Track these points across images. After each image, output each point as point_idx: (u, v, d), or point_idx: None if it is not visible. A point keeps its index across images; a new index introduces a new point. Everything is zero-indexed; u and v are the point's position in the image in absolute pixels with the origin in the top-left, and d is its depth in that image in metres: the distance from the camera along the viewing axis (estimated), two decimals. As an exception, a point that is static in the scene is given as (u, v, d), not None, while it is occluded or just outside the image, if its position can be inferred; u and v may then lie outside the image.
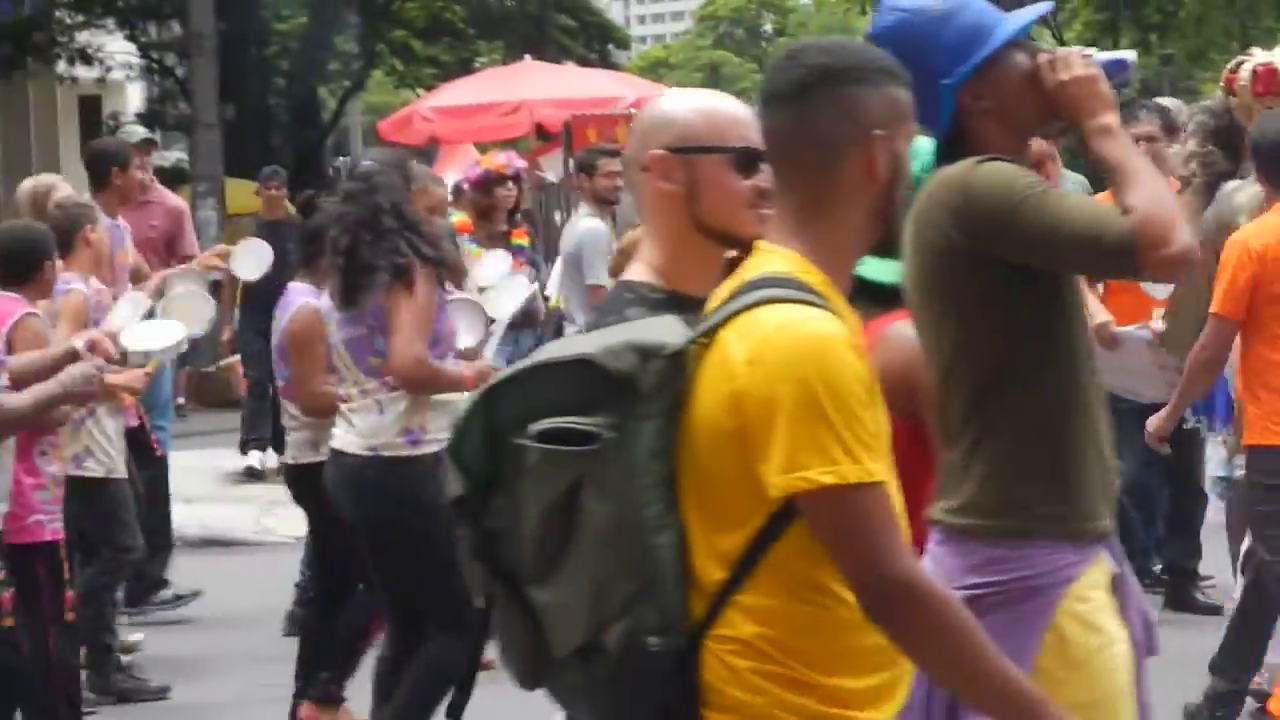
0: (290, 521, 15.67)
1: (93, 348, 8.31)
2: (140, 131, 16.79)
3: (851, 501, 3.69)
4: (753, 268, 3.92)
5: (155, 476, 12.25)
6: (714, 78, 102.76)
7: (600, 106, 20.46)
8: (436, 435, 8.35)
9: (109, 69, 40.16)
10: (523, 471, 3.82)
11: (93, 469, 10.27)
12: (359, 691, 9.41)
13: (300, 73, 37.78)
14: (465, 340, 9.57)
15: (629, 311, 4.25)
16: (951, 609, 3.77)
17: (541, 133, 21.60)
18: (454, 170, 17.00)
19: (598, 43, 42.91)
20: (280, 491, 13.54)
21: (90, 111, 46.05)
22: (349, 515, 8.69)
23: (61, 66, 39.20)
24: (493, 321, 10.51)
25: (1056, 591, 4.74)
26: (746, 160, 4.31)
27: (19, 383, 7.60)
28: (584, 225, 12.88)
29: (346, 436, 8.53)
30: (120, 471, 10.69)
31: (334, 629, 9.99)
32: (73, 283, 10.04)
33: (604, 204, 13.39)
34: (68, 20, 37.69)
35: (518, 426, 3.83)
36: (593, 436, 3.75)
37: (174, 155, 34.11)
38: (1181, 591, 12.29)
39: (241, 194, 24.81)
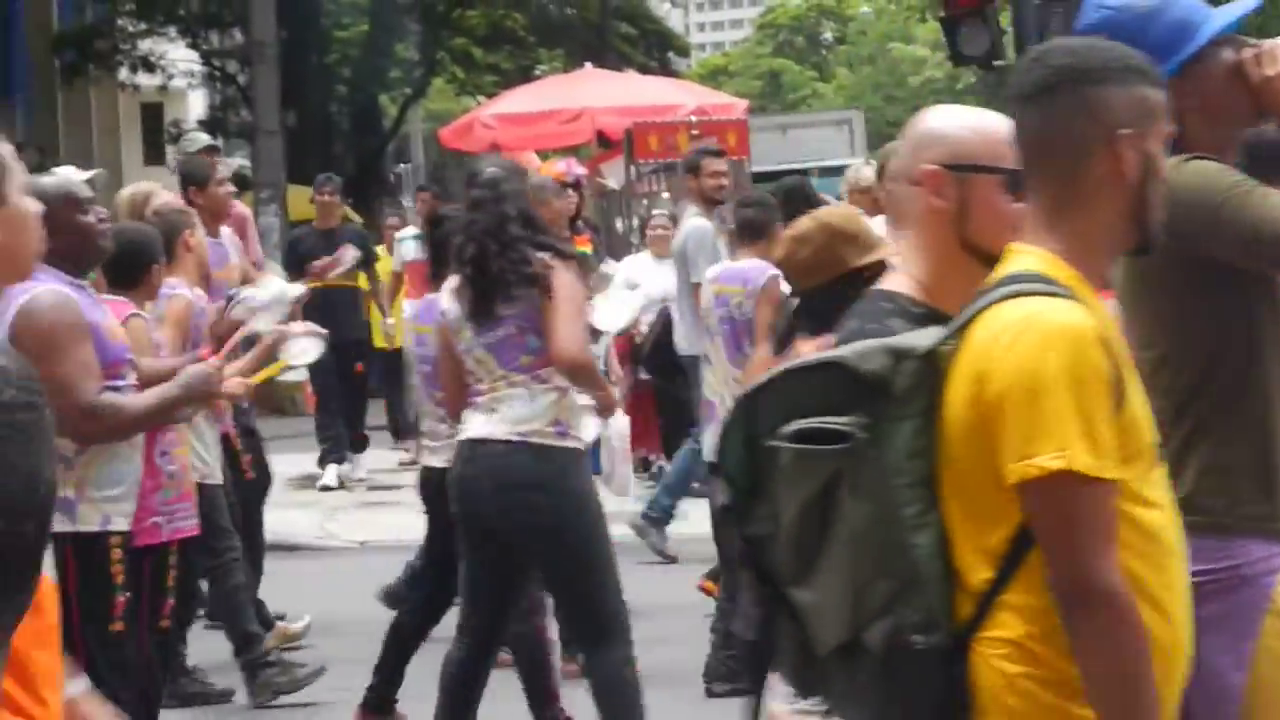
0: (352, 526, 15.74)
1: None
2: (203, 139, 16.89)
3: (1075, 491, 3.69)
4: (1004, 268, 3.96)
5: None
6: (774, 85, 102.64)
7: (661, 114, 20.47)
8: (578, 433, 8.43)
9: (171, 76, 40.36)
10: (777, 472, 3.89)
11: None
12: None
13: (361, 80, 37.88)
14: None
15: (890, 322, 4.24)
16: (1140, 632, 3.72)
17: (603, 140, 21.68)
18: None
19: (657, 50, 42.93)
20: (344, 497, 13.55)
21: (152, 118, 46.27)
22: (484, 504, 8.51)
23: (124, 74, 39.39)
24: (600, 334, 10.45)
25: (1268, 580, 4.79)
26: (1016, 182, 4.27)
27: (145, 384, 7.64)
28: (691, 224, 12.86)
29: (488, 425, 8.46)
30: (216, 478, 10.77)
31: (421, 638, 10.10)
32: (177, 288, 10.20)
33: (710, 203, 13.32)
34: (130, 28, 37.84)
35: (772, 430, 3.90)
36: (845, 436, 3.81)
37: (236, 162, 34.22)
38: None
39: (303, 200, 24.88)
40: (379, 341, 19.26)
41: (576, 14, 38.46)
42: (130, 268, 8.71)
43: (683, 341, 13.78)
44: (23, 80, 34.77)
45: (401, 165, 37.28)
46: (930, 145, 4.39)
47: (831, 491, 3.81)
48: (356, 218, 19.94)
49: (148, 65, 38.69)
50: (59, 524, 7.14)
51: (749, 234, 10.88)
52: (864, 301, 4.47)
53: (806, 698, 4.24)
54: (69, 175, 9.02)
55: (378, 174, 27.80)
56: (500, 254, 8.24)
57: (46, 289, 7.08)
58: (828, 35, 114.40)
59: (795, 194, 10.23)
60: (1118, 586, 3.73)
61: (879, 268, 6.44)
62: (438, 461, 9.84)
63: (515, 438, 8.33)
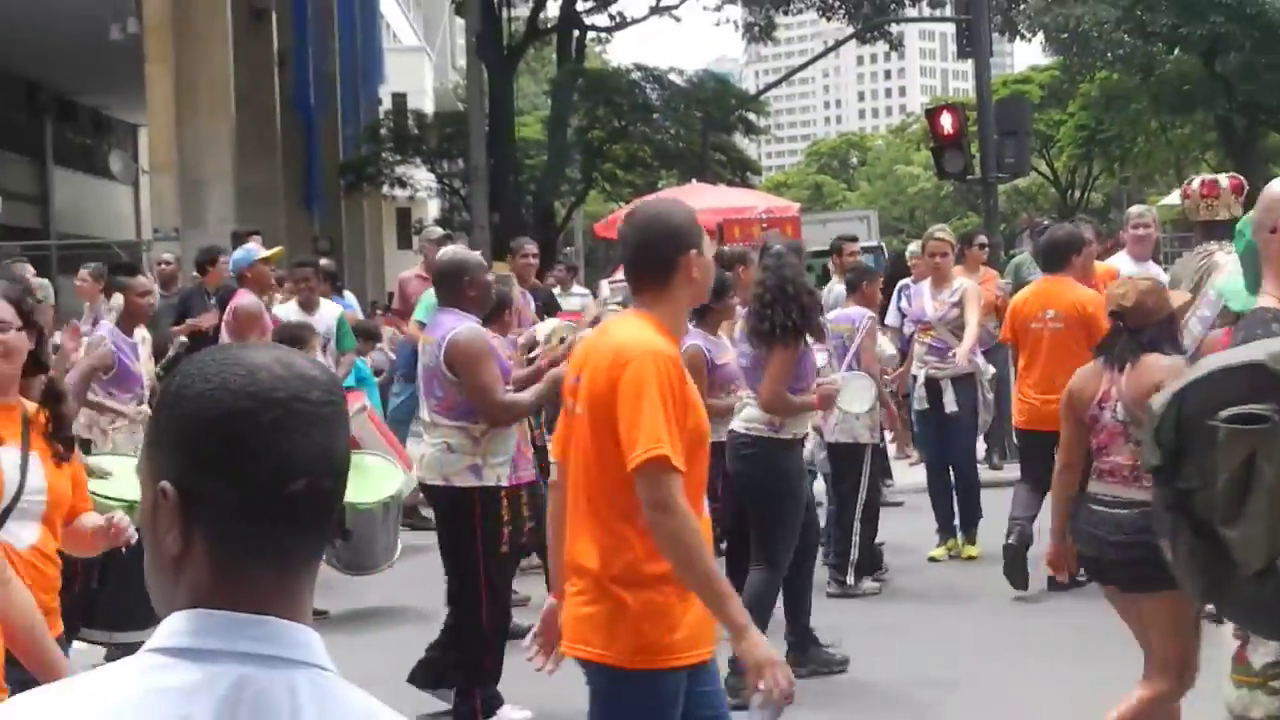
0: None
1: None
2: (438, 231, 16.94)
3: None
4: None
5: None
6: (817, 193, 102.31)
7: (741, 213, 20.42)
8: (792, 428, 8.33)
9: (416, 191, 40.63)
10: (1213, 445, 3.85)
11: None
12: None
13: (542, 192, 38.05)
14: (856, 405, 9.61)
15: (1274, 327, 4.25)
16: None
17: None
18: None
19: (739, 170, 42.82)
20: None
21: (404, 219, 46.58)
22: (735, 477, 8.51)
23: (385, 189, 39.68)
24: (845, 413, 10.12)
25: None
26: None
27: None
28: (836, 290, 12.38)
29: (736, 420, 8.43)
30: None
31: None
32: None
33: (843, 272, 12.91)
34: (389, 159, 38.16)
35: (1205, 413, 3.88)
36: (1265, 418, 3.79)
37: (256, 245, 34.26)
38: None
39: (502, 271, 24.97)
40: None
41: (686, 147, 38.41)
42: (497, 308, 8.70)
43: None
44: (319, 194, 35.10)
45: (568, 249, 37.37)
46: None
47: (1252, 458, 3.79)
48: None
49: (401, 183, 39.00)
50: (470, 481, 7.49)
51: (850, 290, 10.79)
52: (1249, 317, 4.49)
53: (1217, 610, 4.22)
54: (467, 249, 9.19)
55: (551, 255, 27.89)
56: (774, 304, 8.20)
57: (466, 326, 7.49)
58: (854, 160, 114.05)
59: (898, 260, 9.90)
60: None
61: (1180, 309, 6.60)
62: None
63: (745, 431, 8.36)
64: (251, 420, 1.75)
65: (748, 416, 8.36)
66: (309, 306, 12.51)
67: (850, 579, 10.48)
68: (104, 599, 7.09)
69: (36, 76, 38.17)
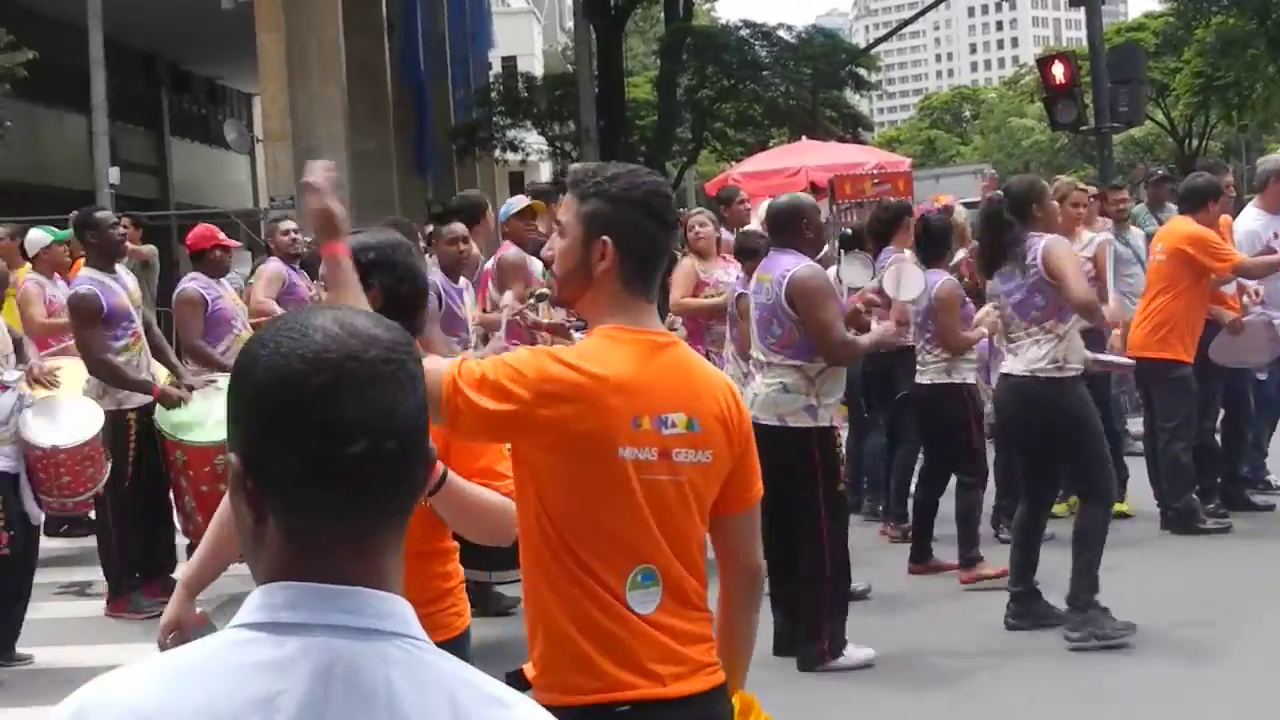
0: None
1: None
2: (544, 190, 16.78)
3: None
4: None
5: None
6: (930, 148, 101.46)
7: (852, 169, 20.28)
8: (1074, 364, 8.21)
9: (528, 154, 40.72)
10: None
11: None
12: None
13: (654, 152, 37.89)
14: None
15: None
16: None
17: (814, 188, 21.39)
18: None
19: (851, 126, 42.51)
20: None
21: (517, 182, 46.66)
22: (1010, 415, 8.51)
23: (497, 153, 39.77)
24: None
25: None
26: None
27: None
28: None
29: (1014, 363, 8.33)
30: None
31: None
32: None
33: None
34: (500, 123, 38.23)
35: None
36: None
37: (521, 198, 34.18)
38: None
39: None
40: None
41: (796, 104, 38.14)
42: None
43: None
44: (432, 158, 35.23)
45: (681, 210, 37.29)
46: None
47: None
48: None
49: (513, 147, 39.06)
50: (807, 421, 7.63)
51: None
52: None
53: None
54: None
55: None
56: (999, 230, 8.25)
57: (807, 264, 7.76)
58: (967, 113, 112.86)
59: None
60: None
61: None
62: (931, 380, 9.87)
63: (1027, 374, 8.22)
64: (303, 383, 1.69)
65: (1031, 358, 8.23)
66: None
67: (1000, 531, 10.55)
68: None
69: (152, 48, 38.57)
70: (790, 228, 7.92)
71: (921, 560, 9.94)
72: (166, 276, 19.90)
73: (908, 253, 10.46)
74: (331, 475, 1.70)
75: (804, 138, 28.68)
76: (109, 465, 9.05)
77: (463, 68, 39.80)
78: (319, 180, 3.56)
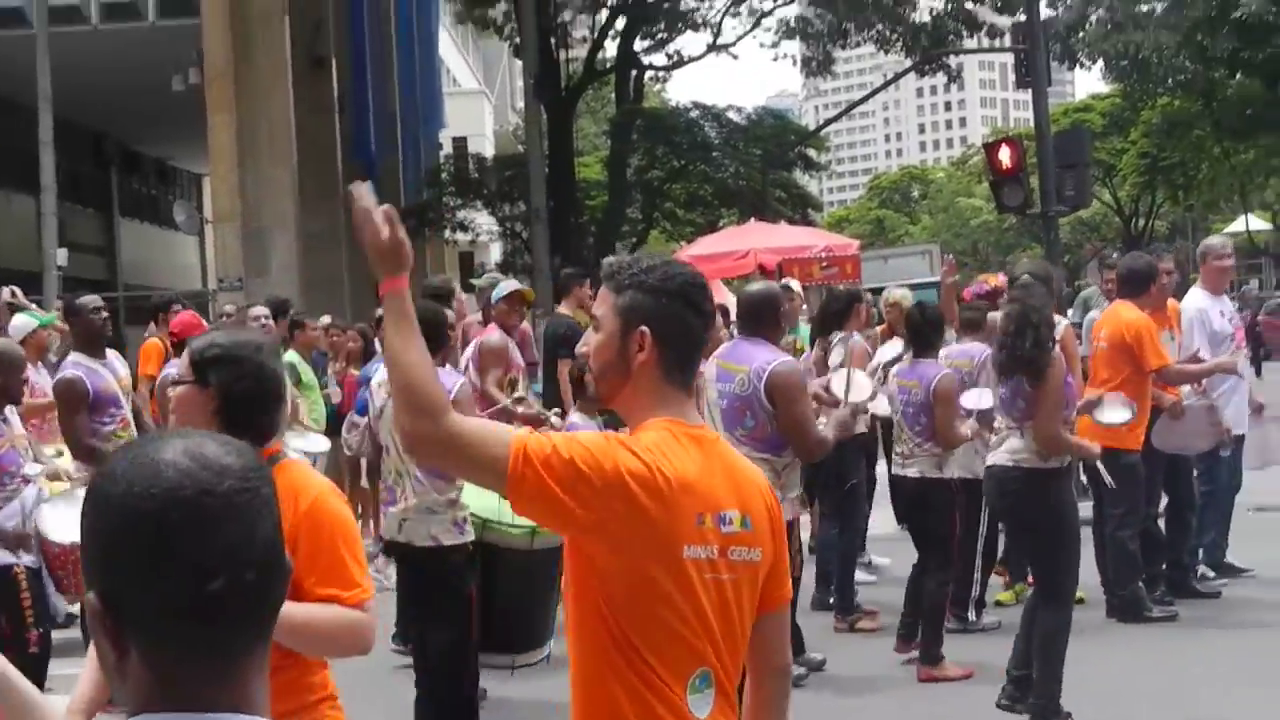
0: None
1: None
2: (497, 276, 16.75)
3: None
4: None
5: None
6: (879, 227, 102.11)
7: (801, 252, 20.39)
8: (1059, 459, 8.18)
9: (478, 234, 40.69)
10: None
11: None
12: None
13: (603, 233, 38.05)
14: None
15: None
16: None
17: (762, 270, 21.52)
18: (717, 297, 16.94)
19: (800, 207, 42.72)
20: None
21: (466, 262, 46.70)
22: (995, 505, 8.54)
23: (447, 234, 39.79)
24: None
25: None
26: None
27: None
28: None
29: (997, 455, 8.33)
30: None
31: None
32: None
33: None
34: (451, 203, 38.26)
35: None
36: None
37: (512, 282, 34.14)
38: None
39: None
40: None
41: (746, 184, 38.31)
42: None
43: None
44: (382, 239, 35.08)
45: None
46: None
47: None
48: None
49: (463, 227, 39.07)
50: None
51: (971, 327, 10.69)
52: None
53: None
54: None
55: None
56: (1019, 335, 8.06)
57: (786, 360, 7.85)
58: (915, 193, 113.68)
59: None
60: None
61: None
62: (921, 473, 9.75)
63: (1011, 464, 8.21)
64: (159, 523, 1.68)
65: (1012, 448, 8.24)
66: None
67: (971, 615, 10.56)
68: (500, 624, 7.33)
69: (101, 128, 38.51)
70: (764, 317, 7.94)
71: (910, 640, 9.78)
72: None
73: (857, 337, 10.47)
74: (192, 611, 1.69)
75: (753, 219, 28.81)
76: None
77: (414, 148, 39.84)
78: (377, 207, 3.35)
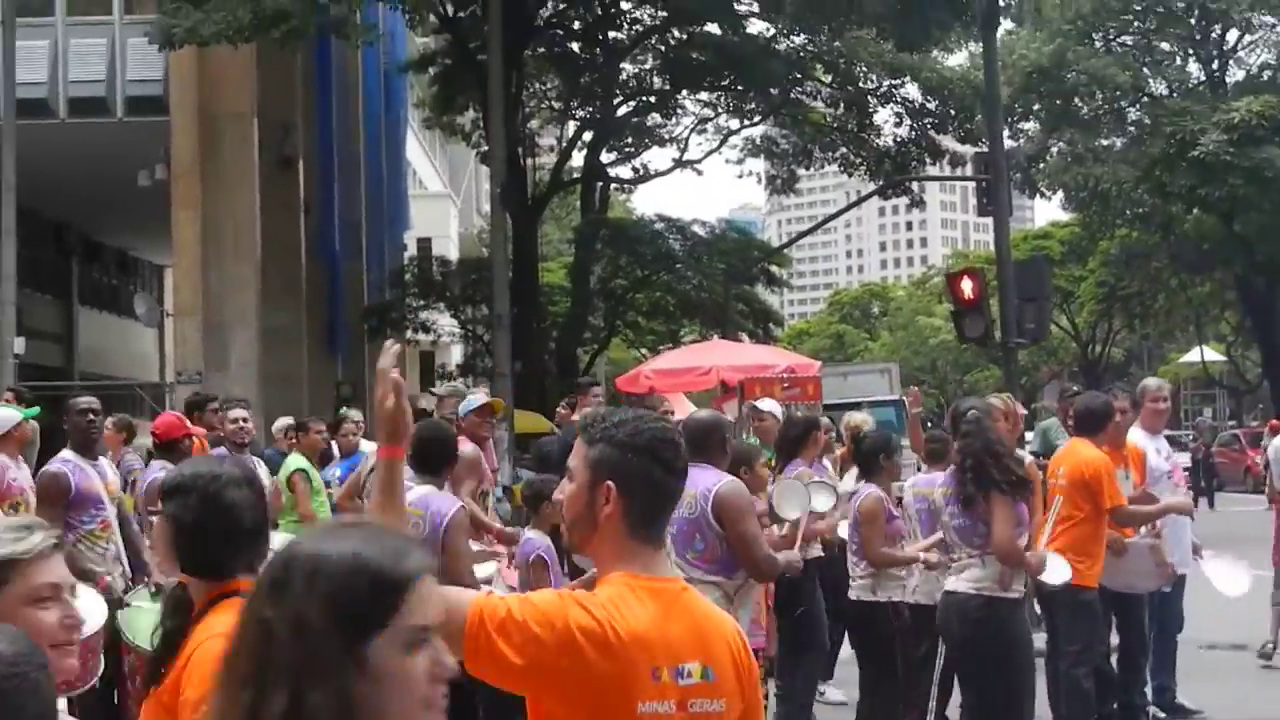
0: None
1: None
2: (458, 388, 16.74)
3: None
4: None
5: None
6: (838, 342, 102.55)
7: (763, 371, 20.45)
8: (1018, 588, 8.21)
9: (439, 336, 40.65)
10: None
11: None
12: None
13: (565, 339, 38.04)
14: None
15: None
16: None
17: (724, 386, 21.53)
18: (679, 411, 16.94)
19: (761, 320, 42.89)
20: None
21: (428, 362, 46.63)
22: (953, 635, 8.47)
23: (409, 334, 39.77)
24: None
25: None
26: None
27: None
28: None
29: (957, 581, 8.32)
30: None
31: None
32: None
33: None
34: (413, 304, 38.25)
35: None
36: None
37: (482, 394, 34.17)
38: None
39: (525, 420, 24.93)
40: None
41: (709, 297, 38.42)
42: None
43: None
44: (343, 339, 35.16)
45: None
46: None
47: None
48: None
49: (424, 328, 39.03)
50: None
51: (936, 458, 10.72)
52: None
53: None
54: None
55: (574, 403, 27.80)
56: (989, 466, 8.12)
57: (731, 480, 7.86)
58: (875, 309, 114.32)
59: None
60: None
61: None
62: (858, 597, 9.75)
63: (974, 591, 8.23)
64: None
65: (974, 577, 8.24)
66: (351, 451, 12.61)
67: None
68: None
69: (64, 218, 38.40)
70: (708, 443, 7.94)
71: None
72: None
73: (808, 469, 10.47)
74: None
75: (716, 337, 28.93)
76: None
77: (378, 249, 39.94)
78: (392, 372, 3.44)
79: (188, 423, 10.51)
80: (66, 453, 9.57)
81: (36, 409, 11.09)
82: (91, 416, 9.79)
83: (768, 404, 13.62)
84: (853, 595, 9.74)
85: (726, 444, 8.08)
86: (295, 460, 12.68)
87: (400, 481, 3.45)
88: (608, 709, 3.16)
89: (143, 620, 8.95)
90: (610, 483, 3.36)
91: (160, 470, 10.07)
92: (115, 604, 9.10)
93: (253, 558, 3.79)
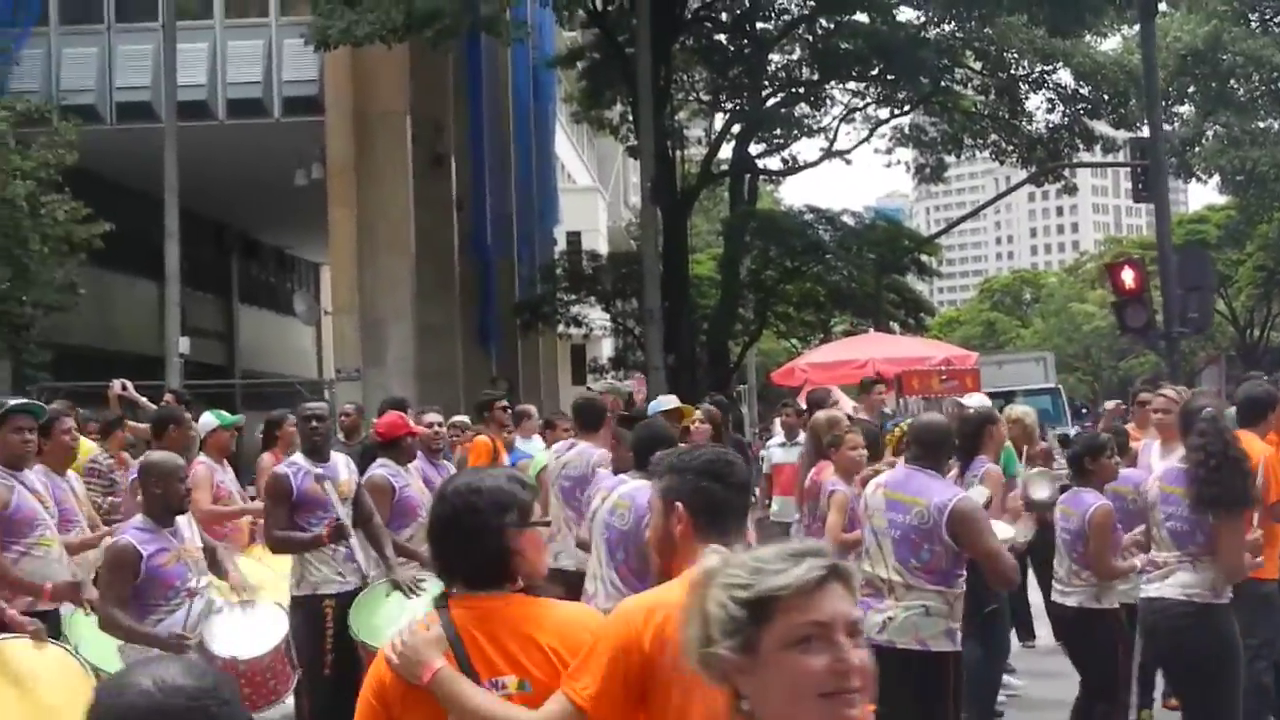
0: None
1: None
2: (618, 386, 16.66)
3: None
4: None
5: None
6: (989, 330, 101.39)
7: (919, 363, 20.19)
8: (1229, 593, 8.02)
9: (591, 330, 40.76)
10: None
11: None
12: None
13: (716, 332, 37.92)
14: None
15: None
16: None
17: (880, 379, 21.30)
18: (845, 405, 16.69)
19: (912, 309, 42.53)
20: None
21: (579, 356, 46.85)
22: (1160, 641, 8.33)
23: (560, 328, 39.92)
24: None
25: None
26: None
27: None
28: None
29: (1163, 587, 8.15)
30: None
31: None
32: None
33: None
34: (564, 299, 38.36)
35: None
36: None
37: (629, 386, 34.15)
38: None
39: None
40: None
41: (859, 288, 38.09)
42: None
43: None
44: (497, 332, 35.34)
45: (741, 386, 37.13)
46: None
47: None
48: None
49: (576, 323, 39.14)
50: (946, 646, 7.52)
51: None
52: None
53: None
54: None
55: (726, 395, 27.67)
56: (1220, 467, 7.91)
57: (967, 496, 7.79)
58: (1027, 296, 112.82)
59: None
60: None
61: None
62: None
63: (1183, 598, 8.07)
64: None
65: (1182, 582, 8.05)
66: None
67: None
68: None
69: (223, 218, 39.06)
70: (941, 450, 7.92)
71: None
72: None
73: (992, 465, 10.26)
74: None
75: (870, 329, 28.68)
76: (296, 675, 8.43)
77: (528, 244, 40.11)
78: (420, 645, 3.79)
79: (410, 422, 10.57)
80: (297, 455, 9.66)
81: (238, 417, 11.21)
82: (315, 423, 9.77)
83: (975, 399, 13.30)
84: (1071, 603, 9.38)
85: (952, 450, 8.15)
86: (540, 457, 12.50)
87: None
88: None
89: (375, 619, 8.88)
90: (678, 504, 3.89)
91: (381, 468, 10.15)
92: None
93: None
